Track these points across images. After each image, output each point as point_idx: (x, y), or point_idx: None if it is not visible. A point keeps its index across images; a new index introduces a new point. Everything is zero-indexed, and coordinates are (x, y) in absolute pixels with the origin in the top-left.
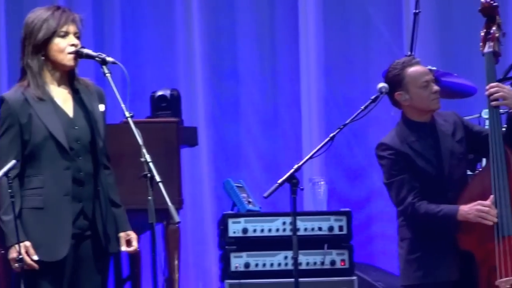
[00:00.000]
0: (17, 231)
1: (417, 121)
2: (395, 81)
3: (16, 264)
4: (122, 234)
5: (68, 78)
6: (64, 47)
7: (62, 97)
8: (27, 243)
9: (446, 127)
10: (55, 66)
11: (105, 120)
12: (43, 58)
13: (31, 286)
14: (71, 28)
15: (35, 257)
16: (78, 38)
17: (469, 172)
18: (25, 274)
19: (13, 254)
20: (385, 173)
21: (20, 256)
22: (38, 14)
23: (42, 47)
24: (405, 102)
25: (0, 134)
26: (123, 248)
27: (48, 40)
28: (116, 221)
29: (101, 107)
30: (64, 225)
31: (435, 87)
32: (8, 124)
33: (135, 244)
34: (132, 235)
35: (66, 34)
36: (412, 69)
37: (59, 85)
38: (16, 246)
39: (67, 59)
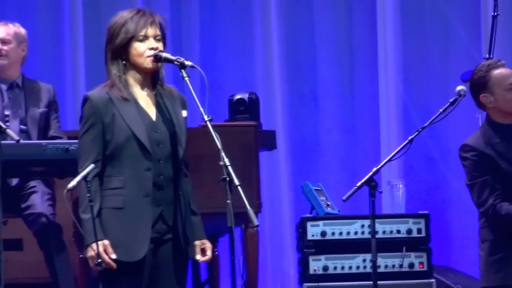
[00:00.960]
0: (95, 230)
1: (502, 123)
2: (480, 83)
3: (94, 263)
4: (197, 243)
5: (152, 82)
6: (143, 51)
7: (145, 100)
8: (106, 242)
9: None
10: (137, 69)
11: (186, 126)
12: (124, 62)
13: (109, 287)
14: (150, 31)
15: (113, 256)
16: (159, 40)
17: None
18: (104, 274)
19: (90, 252)
20: (468, 175)
21: (99, 260)
22: (118, 19)
23: (122, 52)
24: (490, 104)
25: (83, 132)
26: (198, 257)
27: (127, 44)
28: (192, 230)
29: (183, 113)
30: (143, 225)
31: None
32: (91, 123)
33: (209, 253)
34: (207, 244)
35: (145, 38)
36: (497, 72)
37: (142, 88)
38: (94, 244)
39: (146, 63)
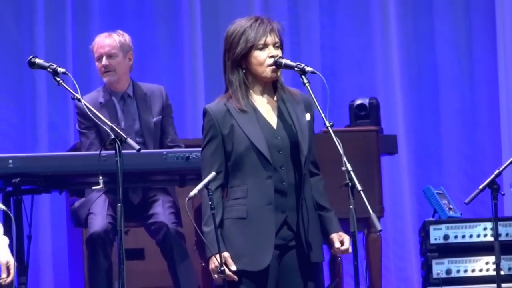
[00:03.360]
0: (218, 242)
1: None
2: None
3: (216, 275)
4: (334, 235)
5: (273, 87)
6: (264, 59)
7: (266, 107)
8: (226, 254)
9: None
10: (257, 78)
11: (312, 129)
12: (243, 72)
13: None
14: (270, 39)
15: (233, 268)
16: (278, 47)
17: None
18: (227, 285)
19: (212, 265)
20: None
21: (222, 268)
22: (236, 27)
23: (242, 61)
24: None
25: (204, 145)
26: (336, 245)
27: (247, 53)
28: (327, 225)
29: (307, 116)
30: (267, 234)
31: None
32: (211, 135)
33: (347, 244)
34: (345, 236)
35: (264, 46)
36: None
37: (262, 95)
38: (215, 257)
39: (267, 72)
